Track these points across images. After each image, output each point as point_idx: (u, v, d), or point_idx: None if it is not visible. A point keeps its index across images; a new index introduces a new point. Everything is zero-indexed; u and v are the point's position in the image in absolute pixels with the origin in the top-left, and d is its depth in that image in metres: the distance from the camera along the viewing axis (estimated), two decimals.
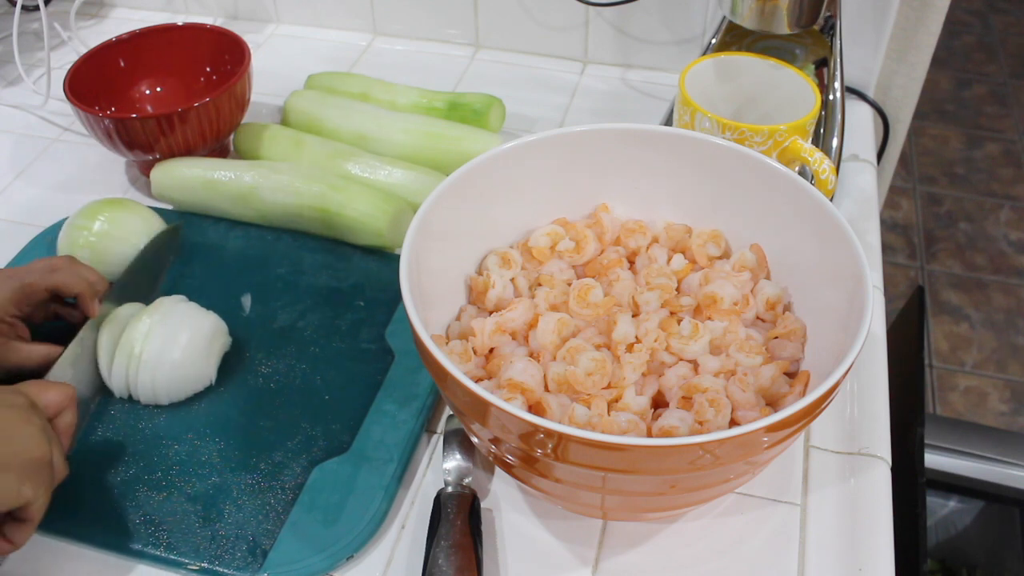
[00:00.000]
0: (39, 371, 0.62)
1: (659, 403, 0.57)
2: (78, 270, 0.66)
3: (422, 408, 0.64)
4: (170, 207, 0.83)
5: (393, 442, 0.62)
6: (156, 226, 0.76)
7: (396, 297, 0.52)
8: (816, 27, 0.78)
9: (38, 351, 0.63)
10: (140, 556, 0.57)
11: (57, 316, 0.68)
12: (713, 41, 0.84)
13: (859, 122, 0.94)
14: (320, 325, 0.71)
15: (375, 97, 0.91)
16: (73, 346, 0.63)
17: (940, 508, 1.18)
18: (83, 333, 0.64)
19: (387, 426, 0.63)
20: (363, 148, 0.84)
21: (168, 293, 0.70)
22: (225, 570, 0.56)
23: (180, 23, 0.90)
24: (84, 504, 0.59)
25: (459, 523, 0.56)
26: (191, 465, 0.62)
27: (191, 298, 0.69)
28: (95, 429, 0.64)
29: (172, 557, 0.57)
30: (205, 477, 0.61)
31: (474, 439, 0.56)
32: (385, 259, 0.77)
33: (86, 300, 0.65)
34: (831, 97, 0.81)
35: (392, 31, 1.08)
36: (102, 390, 0.65)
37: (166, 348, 0.63)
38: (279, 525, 0.58)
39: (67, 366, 0.62)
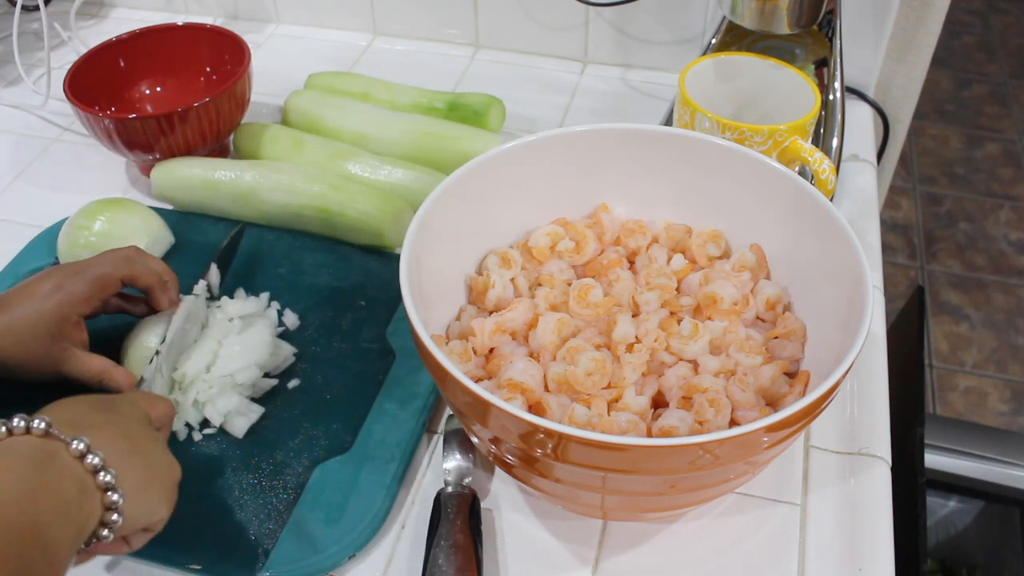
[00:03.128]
0: (91, 383, 0.61)
1: (659, 403, 0.57)
2: (147, 261, 0.65)
3: (423, 407, 0.64)
4: (170, 207, 0.83)
5: (395, 441, 0.62)
6: (156, 226, 0.76)
7: (397, 297, 0.52)
8: (816, 27, 0.78)
9: (95, 364, 0.61)
10: (141, 555, 0.57)
11: (120, 309, 0.66)
12: (713, 41, 0.84)
13: (859, 122, 0.94)
14: (321, 325, 0.71)
15: (375, 97, 0.91)
16: (158, 360, 0.62)
17: (940, 508, 1.18)
18: (169, 338, 0.63)
19: (388, 425, 0.63)
20: (363, 148, 0.84)
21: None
22: (228, 569, 0.56)
23: (180, 23, 0.90)
24: None
25: (459, 523, 0.56)
26: (192, 464, 0.61)
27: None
28: None
29: (174, 556, 0.57)
30: (207, 476, 0.61)
31: (474, 439, 0.56)
32: (385, 259, 0.77)
33: (156, 293, 0.64)
34: (831, 97, 0.81)
35: (392, 31, 1.08)
36: None
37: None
38: (281, 524, 0.58)
39: (155, 373, 0.62)
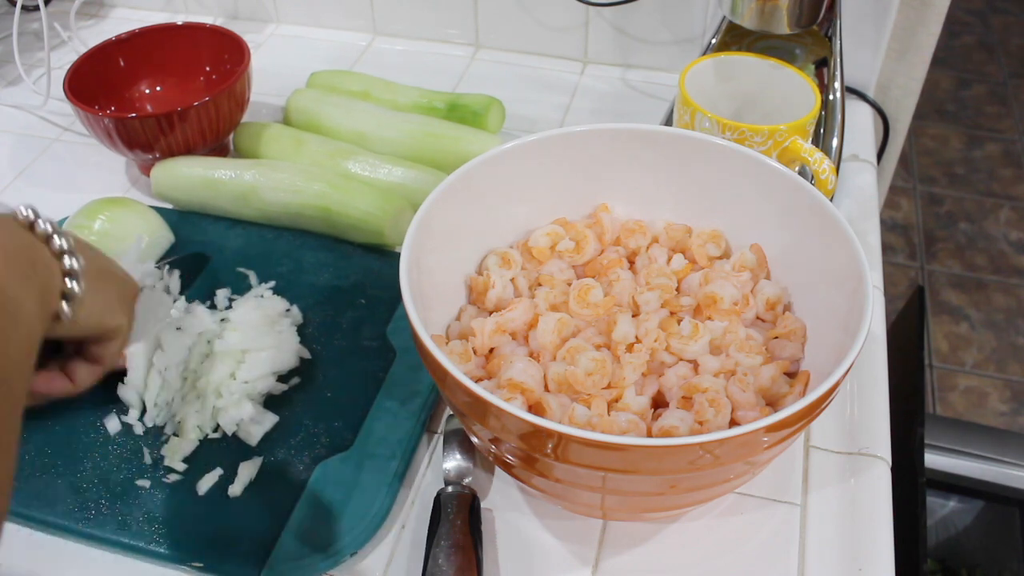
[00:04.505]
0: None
1: (659, 403, 0.57)
2: None
3: (424, 405, 0.64)
4: (170, 206, 0.83)
5: (395, 439, 0.62)
6: (156, 225, 0.76)
7: (397, 295, 0.52)
8: (816, 27, 0.78)
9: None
10: (143, 554, 0.57)
11: None
12: (713, 41, 0.84)
13: (859, 122, 0.94)
14: (321, 323, 0.71)
15: (376, 96, 0.91)
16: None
17: (940, 508, 1.18)
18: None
19: (389, 423, 0.63)
20: (363, 147, 0.84)
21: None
22: (229, 567, 0.56)
23: (180, 23, 0.90)
24: (86, 502, 0.59)
25: (459, 523, 0.56)
26: (195, 462, 0.62)
27: (190, 298, 0.69)
28: (95, 427, 0.63)
29: (175, 553, 0.57)
30: (208, 474, 0.61)
31: (474, 439, 0.56)
32: (386, 257, 0.77)
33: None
34: (831, 97, 0.81)
35: (392, 31, 1.08)
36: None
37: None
38: (282, 522, 0.58)
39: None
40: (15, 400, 0.36)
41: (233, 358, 0.65)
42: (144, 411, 0.64)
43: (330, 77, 0.93)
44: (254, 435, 0.62)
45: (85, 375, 0.48)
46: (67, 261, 0.42)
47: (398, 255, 0.55)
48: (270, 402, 0.65)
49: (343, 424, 0.63)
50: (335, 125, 0.86)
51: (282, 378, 0.66)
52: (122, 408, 0.64)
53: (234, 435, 0.63)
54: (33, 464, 0.61)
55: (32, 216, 0.42)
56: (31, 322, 0.39)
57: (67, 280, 0.42)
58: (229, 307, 0.70)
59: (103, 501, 0.59)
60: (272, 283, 0.73)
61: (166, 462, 0.61)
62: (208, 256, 0.77)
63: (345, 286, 0.74)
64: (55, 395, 0.47)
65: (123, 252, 0.73)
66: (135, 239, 0.73)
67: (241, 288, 0.73)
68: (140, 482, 0.60)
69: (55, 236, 0.42)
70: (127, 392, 0.63)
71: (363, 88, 0.92)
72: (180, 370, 0.64)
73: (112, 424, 0.63)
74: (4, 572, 0.58)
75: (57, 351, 0.48)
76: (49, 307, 0.41)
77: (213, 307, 0.71)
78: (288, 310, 0.70)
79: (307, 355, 0.68)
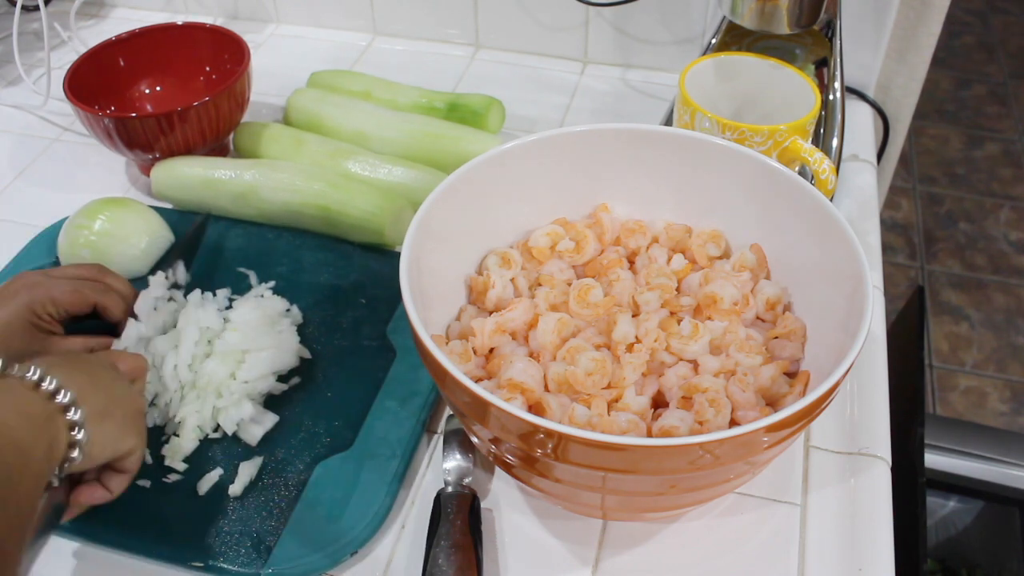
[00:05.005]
0: None
1: (659, 403, 0.57)
2: (115, 290, 0.66)
3: (424, 405, 0.64)
4: (170, 206, 0.83)
5: (396, 439, 0.62)
6: (156, 225, 0.76)
7: (397, 295, 0.52)
8: (816, 27, 0.78)
9: (75, 342, 0.63)
10: (143, 553, 0.57)
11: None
12: (713, 41, 0.84)
13: (859, 122, 0.94)
14: (321, 323, 0.71)
15: (376, 96, 0.91)
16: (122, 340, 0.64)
17: (940, 508, 1.18)
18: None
19: (389, 423, 0.63)
20: (363, 147, 0.84)
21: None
22: (229, 567, 0.56)
23: (180, 23, 0.90)
24: None
25: (459, 523, 0.56)
26: (195, 462, 0.62)
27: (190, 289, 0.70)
28: None
29: (176, 554, 0.57)
30: (209, 473, 0.61)
31: (474, 439, 0.56)
32: (386, 257, 0.77)
33: (117, 317, 0.65)
34: (831, 97, 0.81)
35: (392, 31, 1.08)
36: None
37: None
38: (283, 521, 0.58)
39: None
40: (22, 532, 0.42)
41: (233, 358, 0.65)
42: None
43: (330, 77, 0.93)
44: (254, 435, 0.62)
45: (118, 483, 0.53)
46: (71, 414, 0.47)
47: (398, 255, 0.55)
48: (270, 402, 0.65)
49: (343, 424, 0.63)
50: (335, 125, 0.86)
51: (282, 378, 0.66)
52: None
53: (234, 435, 0.63)
54: None
55: (38, 377, 0.47)
56: (40, 468, 0.45)
57: (72, 431, 0.47)
58: (229, 307, 0.70)
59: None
60: (272, 283, 0.73)
61: (166, 462, 0.61)
62: (207, 217, 0.77)
63: (345, 286, 0.74)
64: (95, 503, 0.53)
65: (125, 252, 0.74)
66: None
67: (241, 288, 0.73)
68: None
69: (60, 393, 0.47)
70: None
71: (363, 88, 0.92)
72: (187, 364, 0.64)
73: None
74: None
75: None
76: (57, 454, 0.47)
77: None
78: (288, 310, 0.70)
79: (307, 355, 0.68)
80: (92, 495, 0.52)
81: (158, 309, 0.67)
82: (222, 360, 0.64)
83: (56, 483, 0.48)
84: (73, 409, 0.47)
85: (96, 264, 0.67)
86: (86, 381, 0.50)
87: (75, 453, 0.47)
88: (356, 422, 0.64)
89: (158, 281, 0.68)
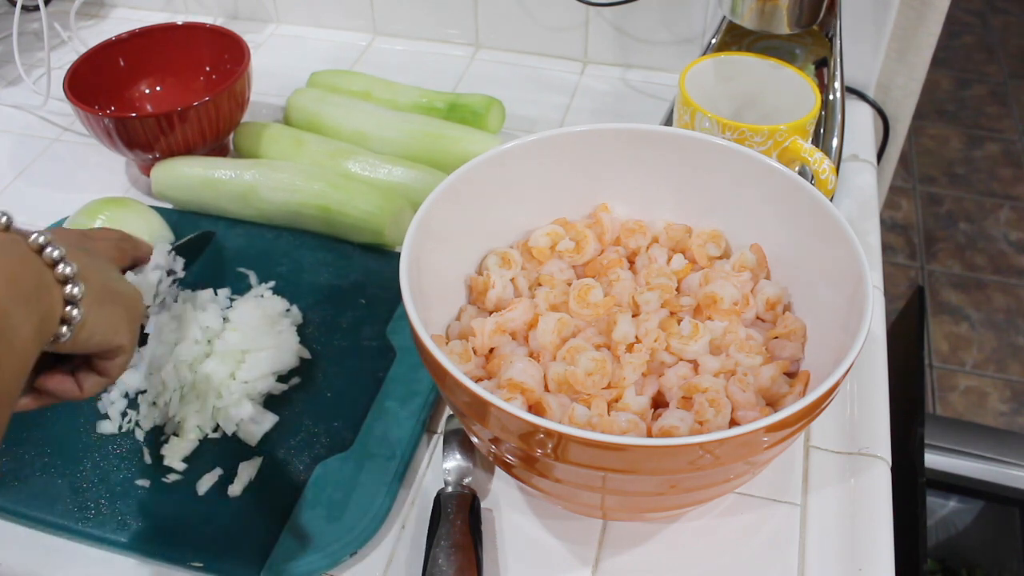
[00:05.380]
0: None
1: (659, 403, 0.57)
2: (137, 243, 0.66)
3: (424, 405, 0.64)
4: (170, 206, 0.83)
5: (395, 439, 0.62)
6: (156, 225, 0.77)
7: (397, 295, 0.52)
8: (816, 27, 0.78)
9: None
10: (143, 553, 0.57)
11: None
12: (713, 41, 0.84)
13: (859, 122, 0.94)
14: (321, 323, 0.71)
15: (376, 96, 0.91)
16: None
17: (940, 508, 1.18)
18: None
19: (389, 423, 0.63)
20: (363, 147, 0.84)
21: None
22: (229, 567, 0.56)
23: (180, 23, 0.90)
24: (86, 502, 0.59)
25: (459, 523, 0.56)
26: (194, 462, 0.62)
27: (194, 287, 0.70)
28: (95, 427, 0.64)
29: (175, 553, 0.57)
30: (208, 473, 0.61)
31: (474, 439, 0.56)
32: (386, 257, 0.77)
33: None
34: (831, 97, 0.81)
35: (392, 31, 1.08)
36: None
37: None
38: (282, 522, 0.58)
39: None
40: (4, 409, 0.39)
41: (233, 358, 0.65)
42: (128, 403, 0.65)
43: (330, 77, 0.93)
44: (254, 435, 0.62)
45: (92, 384, 0.50)
46: (69, 288, 0.44)
47: (398, 255, 0.55)
48: (270, 402, 0.65)
49: (343, 424, 0.63)
50: (335, 125, 0.87)
51: (282, 378, 0.66)
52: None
53: (234, 435, 0.63)
54: (33, 464, 0.61)
55: (43, 241, 0.44)
56: (27, 345, 0.41)
57: (68, 307, 0.44)
58: (229, 307, 0.70)
59: (103, 501, 0.59)
60: (272, 283, 0.73)
61: (166, 462, 0.61)
62: (212, 233, 0.77)
63: (345, 286, 0.74)
64: (64, 398, 0.49)
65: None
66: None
67: (241, 288, 0.73)
68: (140, 482, 0.60)
69: (61, 264, 0.44)
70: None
71: (363, 88, 0.92)
72: (187, 364, 0.64)
73: (105, 426, 0.63)
74: (4, 572, 0.58)
75: (67, 359, 0.50)
76: (48, 330, 0.43)
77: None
78: (288, 310, 0.70)
79: (307, 355, 0.68)
80: (62, 385, 0.49)
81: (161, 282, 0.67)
82: (222, 360, 0.64)
83: (66, 338, 0.44)
84: (72, 284, 0.44)
85: (116, 229, 0.67)
86: (89, 263, 0.47)
87: (64, 329, 0.44)
88: (356, 422, 0.64)
89: (161, 250, 0.68)
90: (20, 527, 0.59)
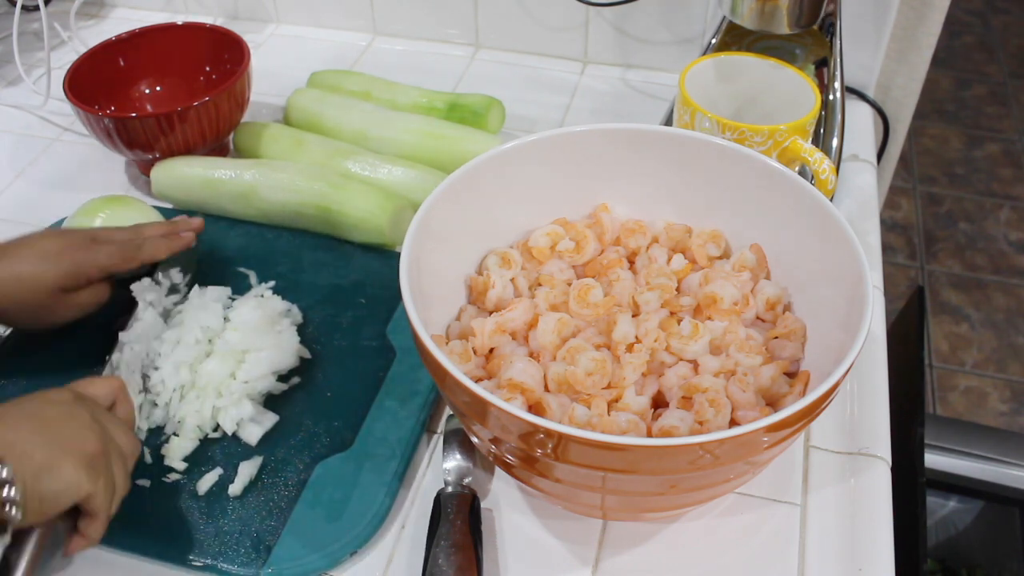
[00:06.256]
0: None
1: (659, 403, 0.57)
2: (151, 240, 0.69)
3: (424, 405, 0.64)
4: (170, 206, 0.83)
5: (395, 439, 0.62)
6: (155, 220, 0.77)
7: (397, 295, 0.52)
8: (816, 27, 0.78)
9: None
10: (143, 553, 0.57)
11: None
12: (713, 41, 0.84)
13: (859, 122, 0.94)
14: (321, 322, 0.71)
15: (377, 96, 0.91)
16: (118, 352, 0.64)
17: (940, 508, 1.18)
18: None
19: (389, 423, 0.63)
20: (364, 147, 0.84)
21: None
22: (229, 566, 0.56)
23: (180, 23, 0.90)
24: None
25: (459, 523, 0.56)
26: (194, 461, 0.62)
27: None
28: None
29: (176, 553, 0.57)
30: (209, 473, 0.61)
31: (474, 439, 0.56)
32: (386, 257, 0.77)
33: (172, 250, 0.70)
34: (831, 97, 0.81)
35: (392, 31, 1.08)
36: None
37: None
38: (283, 521, 0.58)
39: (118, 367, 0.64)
40: None
41: (233, 358, 0.65)
42: None
43: (331, 77, 0.93)
44: (254, 435, 0.62)
45: (92, 528, 0.51)
46: (5, 492, 0.45)
47: (398, 255, 0.55)
48: (270, 402, 0.65)
49: (343, 424, 0.63)
50: (335, 125, 0.87)
51: (282, 378, 0.66)
52: None
53: (234, 435, 0.63)
54: None
55: None
56: None
57: (2, 489, 0.45)
58: (229, 307, 0.70)
59: None
60: (272, 283, 0.73)
61: (166, 462, 0.61)
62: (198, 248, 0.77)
63: (345, 285, 0.74)
64: (83, 550, 0.52)
65: None
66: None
67: (241, 288, 0.73)
68: (140, 481, 0.60)
69: None
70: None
71: (364, 88, 0.92)
72: (187, 364, 0.64)
73: None
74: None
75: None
76: None
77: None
78: (288, 310, 0.70)
79: (307, 355, 0.68)
80: (76, 546, 0.51)
81: (154, 305, 0.68)
82: (222, 360, 0.64)
83: (5, 541, 0.46)
84: (6, 486, 0.45)
85: (132, 226, 0.70)
86: (26, 433, 0.48)
87: (13, 511, 0.45)
88: (356, 422, 0.64)
89: (144, 287, 0.69)
90: None
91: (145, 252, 0.68)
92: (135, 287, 0.68)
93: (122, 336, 0.65)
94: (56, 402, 0.52)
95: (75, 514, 0.51)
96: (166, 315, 0.69)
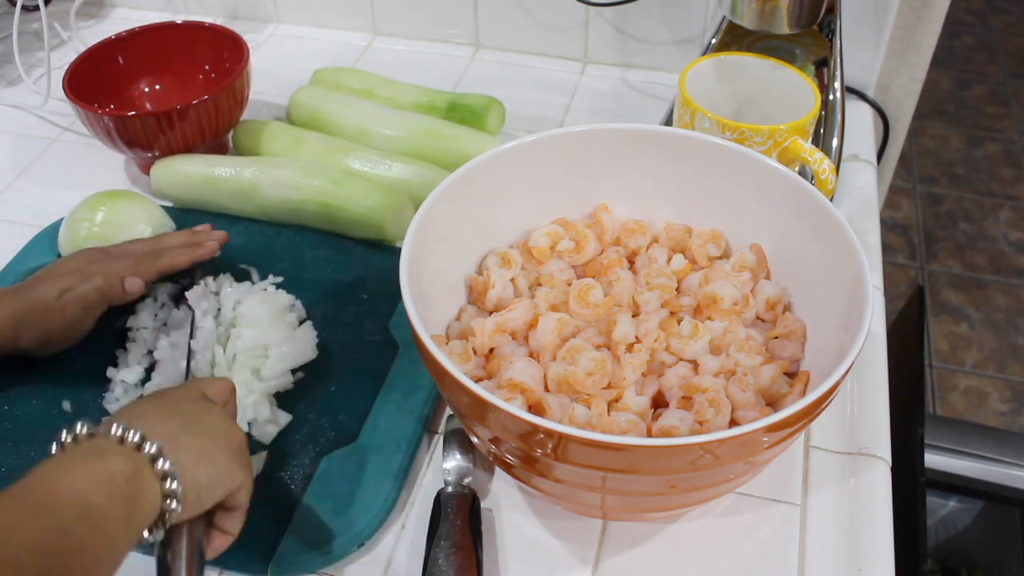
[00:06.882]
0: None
1: (659, 403, 0.57)
2: (169, 251, 0.70)
3: (427, 398, 0.65)
4: (170, 204, 0.83)
5: (400, 432, 0.62)
6: (158, 215, 0.77)
7: (398, 290, 0.52)
8: (816, 27, 0.78)
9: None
10: (148, 549, 0.57)
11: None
12: (713, 41, 0.84)
13: (859, 122, 0.94)
14: (324, 318, 0.71)
15: (378, 94, 0.91)
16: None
17: (940, 508, 1.18)
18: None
19: (393, 416, 0.64)
20: (364, 144, 0.85)
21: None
22: (235, 562, 0.56)
23: (179, 21, 0.90)
24: None
25: (459, 523, 0.56)
26: None
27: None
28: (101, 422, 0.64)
29: None
30: None
31: (474, 439, 0.56)
32: (386, 252, 0.77)
33: (193, 259, 0.71)
34: (831, 97, 0.81)
35: (392, 31, 1.08)
36: None
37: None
38: (289, 515, 0.58)
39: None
40: None
41: (254, 354, 0.65)
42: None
43: (333, 74, 0.94)
44: (269, 434, 0.63)
45: (232, 522, 0.51)
46: (160, 465, 0.45)
47: (399, 250, 0.55)
48: (276, 398, 0.65)
49: (348, 418, 0.64)
50: (337, 121, 0.87)
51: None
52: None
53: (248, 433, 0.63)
54: (39, 461, 0.61)
55: (120, 431, 0.45)
56: (115, 533, 0.42)
57: (165, 481, 0.45)
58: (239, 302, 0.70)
59: None
60: (280, 279, 0.73)
61: None
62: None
63: (347, 281, 0.74)
64: (224, 549, 0.51)
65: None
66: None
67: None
68: None
69: (145, 444, 0.45)
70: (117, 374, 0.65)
71: (366, 86, 0.92)
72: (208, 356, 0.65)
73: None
74: None
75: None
76: (145, 512, 0.44)
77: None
78: (292, 304, 0.71)
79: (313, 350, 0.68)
80: (221, 544, 0.51)
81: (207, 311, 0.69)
82: (246, 358, 0.65)
83: (159, 536, 0.46)
84: (162, 460, 0.45)
85: (152, 237, 0.71)
86: (177, 425, 0.48)
87: (173, 504, 0.45)
88: (360, 416, 0.64)
89: (198, 295, 0.69)
90: None
91: (165, 261, 0.68)
92: (190, 295, 0.69)
93: (192, 344, 0.65)
94: (189, 398, 0.52)
95: (207, 514, 0.50)
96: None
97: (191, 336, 0.66)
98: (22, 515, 0.39)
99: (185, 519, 0.47)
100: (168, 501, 0.45)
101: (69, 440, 0.45)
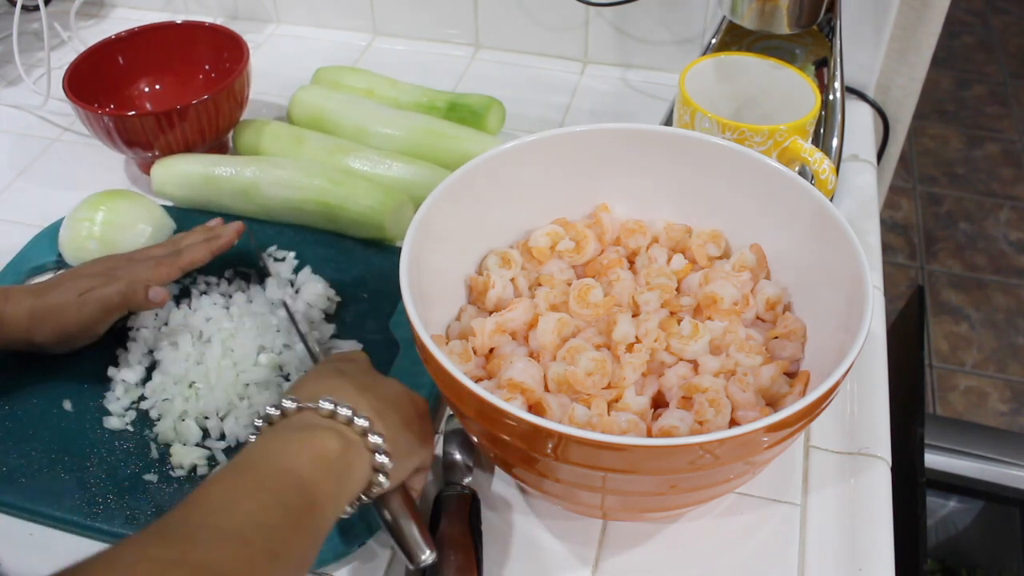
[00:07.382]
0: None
1: (659, 403, 0.57)
2: (189, 249, 0.70)
3: (427, 398, 0.64)
4: (170, 204, 0.83)
5: None
6: (158, 214, 0.77)
7: (399, 289, 0.52)
8: (816, 27, 0.78)
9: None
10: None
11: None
12: (713, 41, 0.84)
13: (859, 122, 0.94)
14: (324, 318, 0.71)
15: (379, 93, 0.92)
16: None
17: (940, 508, 1.18)
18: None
19: None
20: (365, 143, 0.85)
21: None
22: None
23: (179, 21, 0.90)
24: (94, 497, 0.59)
25: (459, 523, 0.56)
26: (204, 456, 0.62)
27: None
28: (102, 422, 0.64)
29: None
30: (216, 467, 0.61)
31: (474, 439, 0.56)
32: (386, 252, 0.77)
33: (214, 251, 0.71)
34: (831, 97, 0.81)
35: (392, 31, 1.08)
36: None
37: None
38: None
39: None
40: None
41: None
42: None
43: (335, 73, 0.94)
44: None
45: (419, 481, 0.55)
46: (371, 438, 0.47)
47: (399, 249, 0.55)
48: (276, 394, 0.65)
49: None
50: (338, 120, 0.87)
51: (288, 374, 0.67)
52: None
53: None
54: (40, 460, 0.61)
55: (331, 406, 0.47)
56: (326, 506, 0.44)
57: (375, 454, 0.47)
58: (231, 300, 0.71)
59: (110, 496, 0.59)
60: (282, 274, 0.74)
61: (172, 460, 0.61)
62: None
63: (347, 280, 0.74)
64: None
65: (131, 240, 0.74)
66: None
67: (242, 286, 0.73)
68: (147, 477, 0.60)
69: (356, 418, 0.47)
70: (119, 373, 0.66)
71: (367, 85, 0.92)
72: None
73: (112, 421, 0.64)
74: (9, 568, 0.58)
75: None
76: (353, 484, 0.46)
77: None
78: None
79: (336, 298, 0.71)
80: (407, 504, 0.52)
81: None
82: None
83: (355, 508, 0.47)
84: (372, 435, 0.46)
85: (169, 240, 0.72)
86: (375, 398, 0.49)
87: (381, 478, 0.47)
88: None
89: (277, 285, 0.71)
90: (26, 523, 0.59)
91: (185, 258, 0.69)
92: (268, 285, 0.70)
93: (300, 328, 0.66)
94: (363, 370, 0.54)
95: None
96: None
97: (293, 321, 0.66)
98: (245, 491, 0.40)
99: (388, 491, 0.49)
100: (376, 474, 0.46)
101: (277, 415, 0.46)
